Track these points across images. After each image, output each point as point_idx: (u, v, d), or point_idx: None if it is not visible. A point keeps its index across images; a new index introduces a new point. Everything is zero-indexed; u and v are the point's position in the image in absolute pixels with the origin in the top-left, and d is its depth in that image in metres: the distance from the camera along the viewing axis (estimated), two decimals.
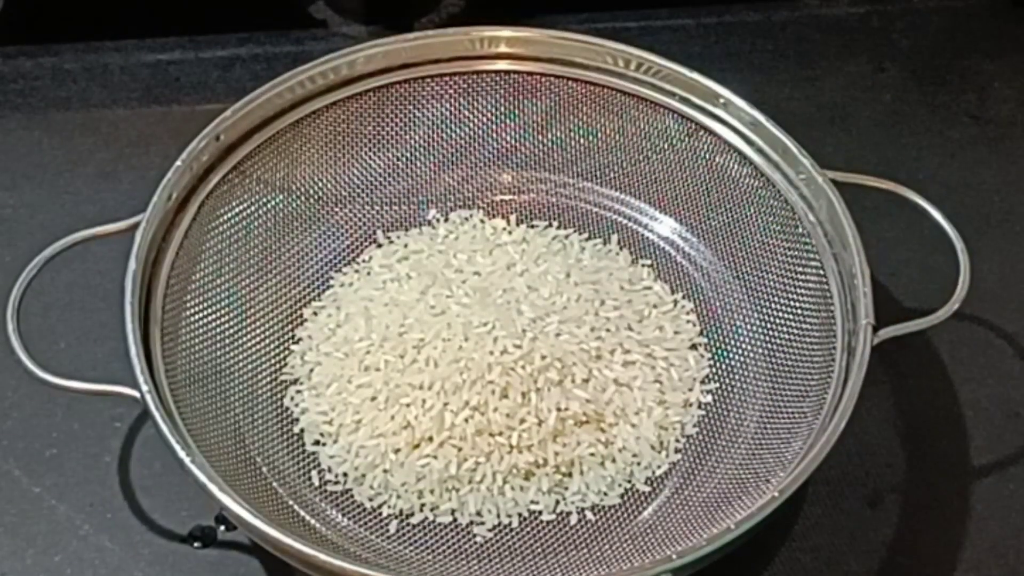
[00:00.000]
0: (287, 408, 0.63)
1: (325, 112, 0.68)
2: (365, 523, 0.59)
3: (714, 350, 0.65)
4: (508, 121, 0.71)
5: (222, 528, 0.60)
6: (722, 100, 0.67)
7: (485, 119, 0.71)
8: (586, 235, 0.70)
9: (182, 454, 0.53)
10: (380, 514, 0.59)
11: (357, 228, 0.70)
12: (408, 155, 0.71)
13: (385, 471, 0.59)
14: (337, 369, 0.63)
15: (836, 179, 0.63)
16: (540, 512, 0.59)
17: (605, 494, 0.60)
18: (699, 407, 0.63)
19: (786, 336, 0.64)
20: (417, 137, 0.71)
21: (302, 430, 0.62)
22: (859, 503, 0.62)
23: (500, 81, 0.70)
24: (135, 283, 0.58)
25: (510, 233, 0.69)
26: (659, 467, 0.61)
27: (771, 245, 0.66)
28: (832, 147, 0.76)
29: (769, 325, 0.65)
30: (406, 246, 0.68)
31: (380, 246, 0.69)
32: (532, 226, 0.70)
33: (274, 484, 0.59)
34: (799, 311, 0.64)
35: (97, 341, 0.66)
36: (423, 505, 0.59)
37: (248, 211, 0.66)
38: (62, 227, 0.61)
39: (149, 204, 0.61)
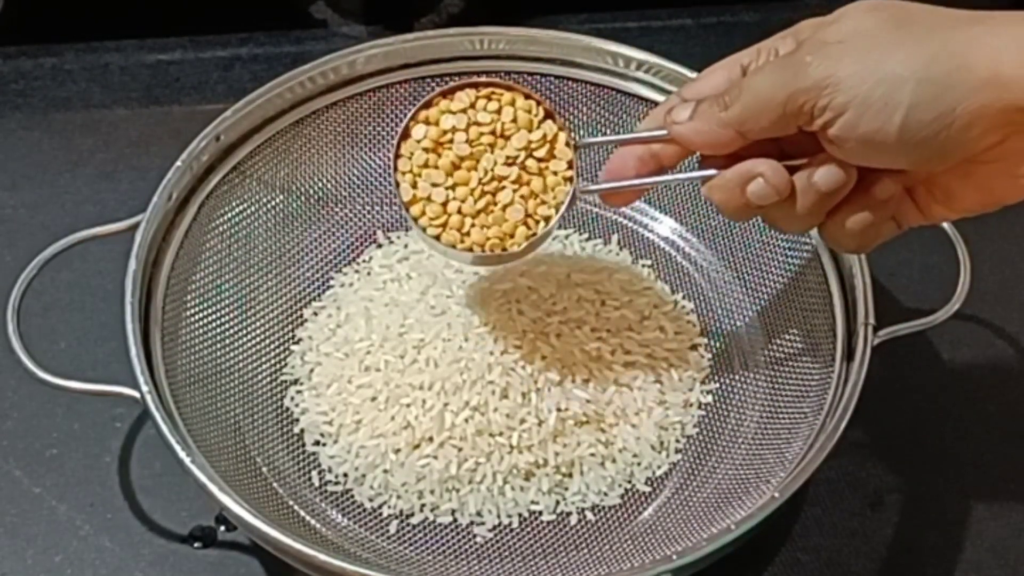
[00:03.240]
0: (287, 408, 0.63)
1: (325, 112, 0.68)
2: (365, 523, 0.59)
3: (714, 350, 0.65)
4: None
5: (222, 528, 0.60)
6: None
7: None
8: (586, 235, 0.70)
9: (182, 454, 0.53)
10: (380, 514, 0.59)
11: (357, 228, 0.70)
12: None
13: (385, 471, 0.60)
14: (337, 369, 0.63)
15: None
16: (540, 512, 0.59)
17: (605, 494, 0.60)
18: (699, 407, 0.63)
19: (786, 336, 0.64)
20: None
21: (302, 430, 0.62)
22: (859, 503, 0.62)
23: None
24: (135, 283, 0.58)
25: None
26: (659, 467, 0.61)
27: (771, 245, 0.66)
28: None
29: (769, 325, 0.65)
30: (406, 246, 0.68)
31: (380, 246, 0.69)
32: None
33: (274, 484, 0.59)
34: (799, 311, 0.64)
35: (97, 341, 0.66)
36: (423, 505, 0.59)
37: (248, 211, 0.67)
38: (62, 227, 0.61)
39: (149, 204, 0.61)
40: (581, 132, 0.70)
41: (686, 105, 0.52)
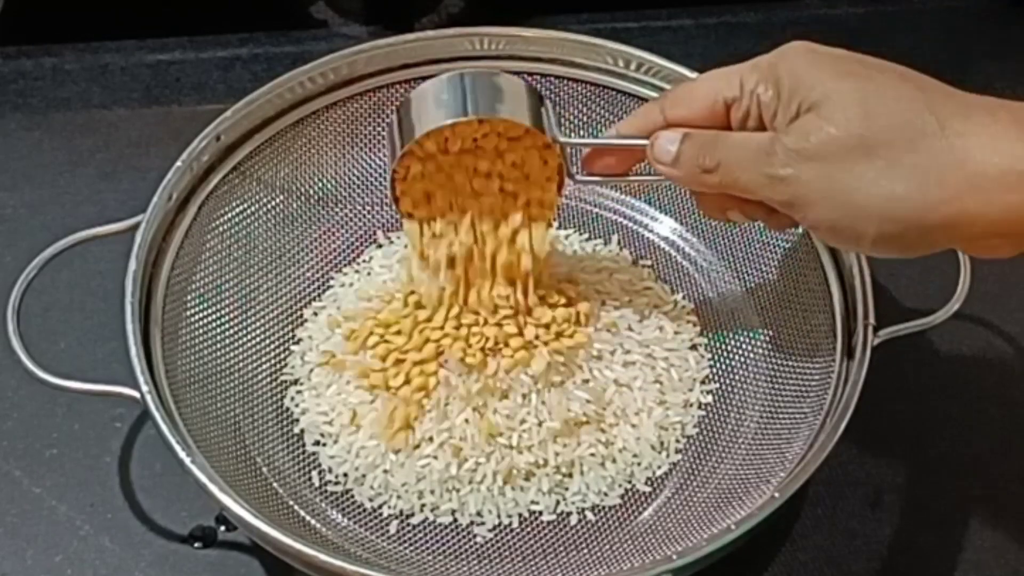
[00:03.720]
0: (287, 408, 0.63)
1: (325, 112, 0.68)
2: (365, 523, 0.59)
3: (714, 350, 0.65)
4: None
5: (222, 528, 0.60)
6: None
7: None
8: (586, 235, 0.70)
9: (182, 454, 0.53)
10: (380, 514, 0.59)
11: (357, 228, 0.70)
12: None
13: (385, 471, 0.59)
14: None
15: None
16: (540, 512, 0.59)
17: (605, 494, 0.60)
18: (699, 407, 0.63)
19: (786, 336, 0.64)
20: None
21: (302, 430, 0.62)
22: (859, 503, 0.62)
23: None
24: (135, 283, 0.58)
25: None
26: (659, 467, 0.61)
27: (771, 245, 0.66)
28: None
29: (769, 325, 0.65)
30: (406, 246, 0.68)
31: (380, 246, 0.69)
32: None
33: (274, 484, 0.59)
34: (799, 311, 0.64)
35: (97, 341, 0.66)
36: (423, 505, 0.59)
37: (248, 211, 0.67)
38: (62, 227, 0.61)
39: (149, 204, 0.61)
40: (581, 133, 0.70)
41: (669, 140, 0.53)
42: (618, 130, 0.57)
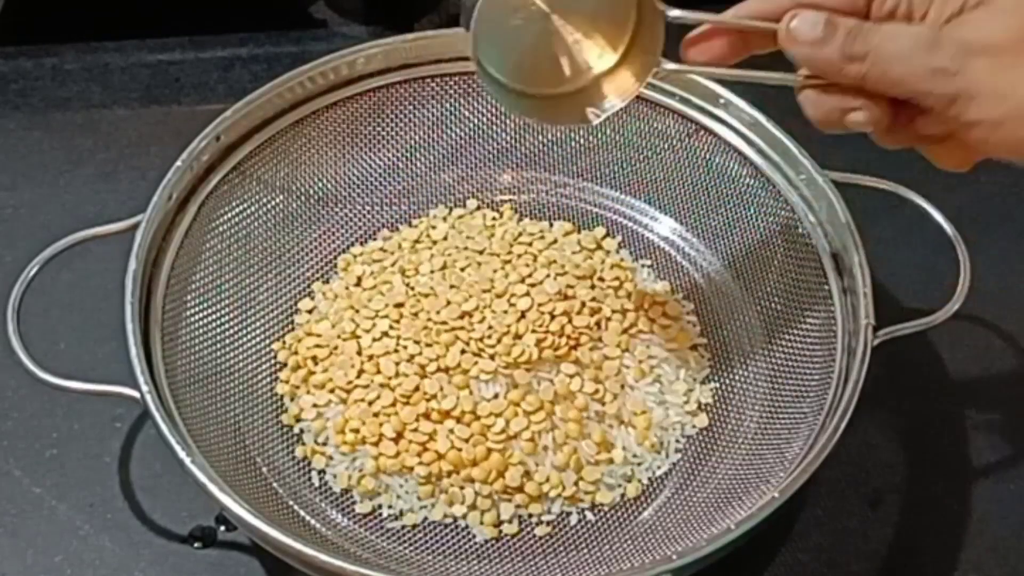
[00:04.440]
0: (287, 408, 0.63)
1: (325, 112, 0.68)
2: (365, 523, 0.59)
3: (714, 350, 0.65)
4: (507, 121, 0.71)
5: (222, 528, 0.60)
6: (722, 100, 0.67)
7: (485, 119, 0.71)
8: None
9: (182, 454, 0.53)
10: (380, 514, 0.59)
11: (357, 228, 0.70)
12: (408, 155, 0.71)
13: (385, 471, 0.59)
14: None
15: (836, 179, 0.63)
16: (540, 513, 0.59)
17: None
18: (699, 407, 0.63)
19: (786, 336, 0.64)
20: (417, 137, 0.71)
21: (302, 430, 0.62)
22: (859, 503, 0.62)
23: None
24: (135, 283, 0.58)
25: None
26: (659, 467, 0.61)
27: (771, 245, 0.66)
28: (832, 147, 0.76)
29: (769, 325, 0.65)
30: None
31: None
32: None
33: (274, 484, 0.59)
34: (799, 311, 0.64)
35: (97, 341, 0.66)
36: (423, 506, 0.59)
37: (248, 211, 0.67)
38: (62, 227, 0.61)
39: (149, 204, 0.61)
40: (581, 133, 0.70)
41: (812, 21, 0.48)
42: (735, 11, 0.51)
